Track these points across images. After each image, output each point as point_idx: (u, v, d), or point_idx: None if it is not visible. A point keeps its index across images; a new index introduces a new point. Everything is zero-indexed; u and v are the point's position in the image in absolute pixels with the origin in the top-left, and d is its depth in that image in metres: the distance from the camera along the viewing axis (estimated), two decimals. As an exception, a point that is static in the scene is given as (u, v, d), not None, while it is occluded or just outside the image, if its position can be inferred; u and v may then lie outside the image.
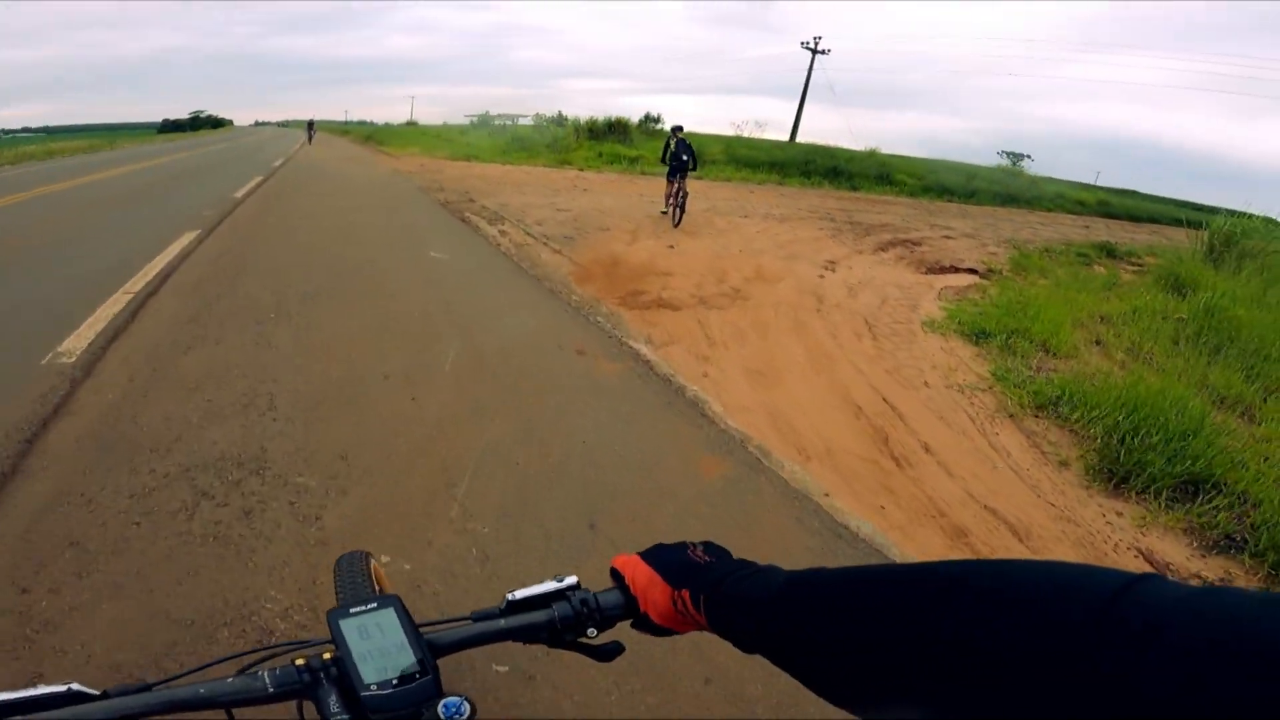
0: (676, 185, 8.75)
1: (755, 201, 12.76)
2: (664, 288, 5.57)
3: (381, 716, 0.47)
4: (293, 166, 14.57)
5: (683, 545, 0.56)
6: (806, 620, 0.40)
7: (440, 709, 0.48)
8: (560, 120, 35.84)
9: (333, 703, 0.48)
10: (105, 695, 0.45)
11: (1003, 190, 21.57)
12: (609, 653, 0.56)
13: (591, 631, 0.55)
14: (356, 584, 0.83)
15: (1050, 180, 24.93)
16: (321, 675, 0.49)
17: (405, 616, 0.52)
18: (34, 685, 0.43)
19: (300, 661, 0.49)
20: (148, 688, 0.46)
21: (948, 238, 11.05)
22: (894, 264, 8.40)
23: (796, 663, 0.40)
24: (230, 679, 0.48)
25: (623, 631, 0.56)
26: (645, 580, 0.54)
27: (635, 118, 29.26)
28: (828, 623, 0.38)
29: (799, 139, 33.28)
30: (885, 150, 24.41)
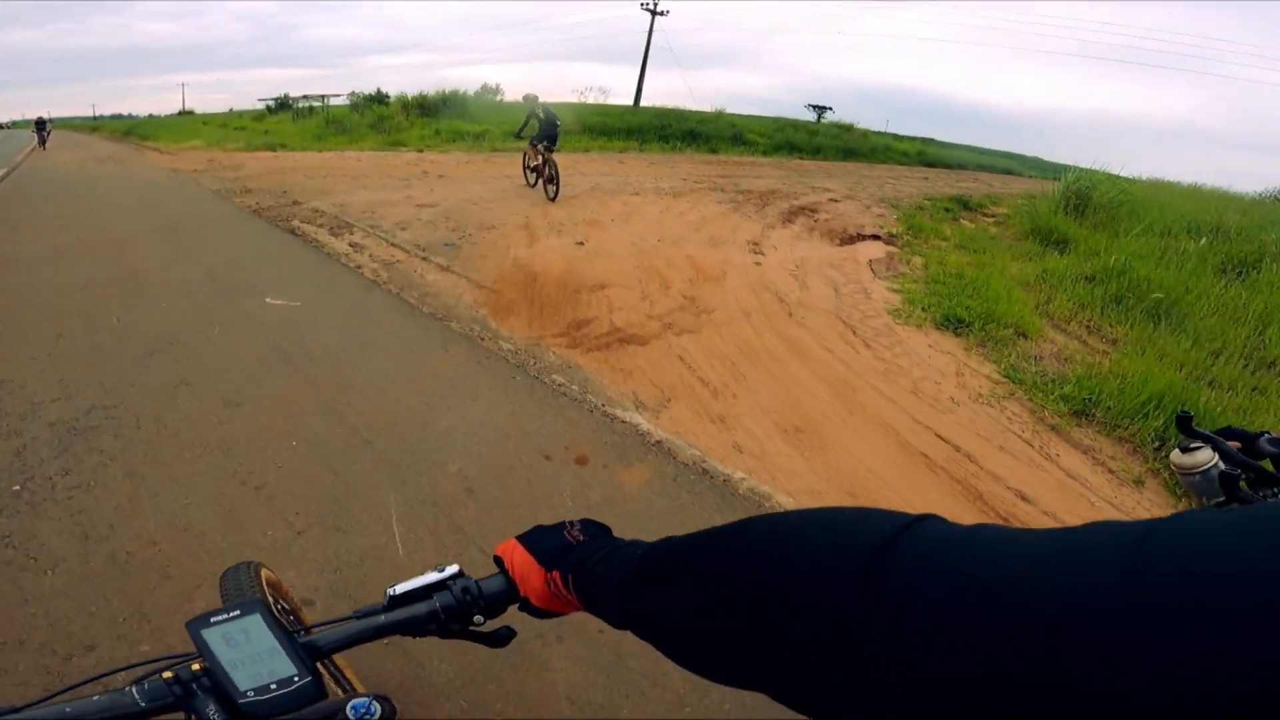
0: (544, 157, 8.22)
1: (632, 173, 11.61)
2: (609, 307, 4.29)
3: None
4: (18, 178, 10.71)
5: (560, 525, 0.54)
6: (655, 592, 0.39)
7: (349, 710, 0.48)
8: (381, 97, 31.71)
9: (211, 711, 0.46)
10: None
11: (841, 144, 22.48)
12: (500, 639, 0.55)
13: (479, 619, 0.54)
14: (244, 595, 0.80)
15: (877, 134, 26.58)
16: (194, 686, 0.47)
17: (272, 620, 0.50)
18: None
19: (168, 675, 0.47)
20: (14, 710, 0.44)
21: (834, 200, 10.78)
22: (809, 237, 7.79)
23: (656, 637, 0.39)
24: (96, 697, 0.46)
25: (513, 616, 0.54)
26: (522, 563, 0.53)
27: (467, 90, 26.53)
28: (671, 592, 0.37)
29: (642, 103, 32.50)
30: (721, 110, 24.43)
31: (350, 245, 5.53)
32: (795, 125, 24.53)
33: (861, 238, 8.17)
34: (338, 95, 33.82)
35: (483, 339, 3.66)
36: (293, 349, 3.27)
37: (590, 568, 0.47)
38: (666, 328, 4.13)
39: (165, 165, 12.75)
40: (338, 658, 0.90)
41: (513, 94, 28.61)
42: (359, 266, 4.86)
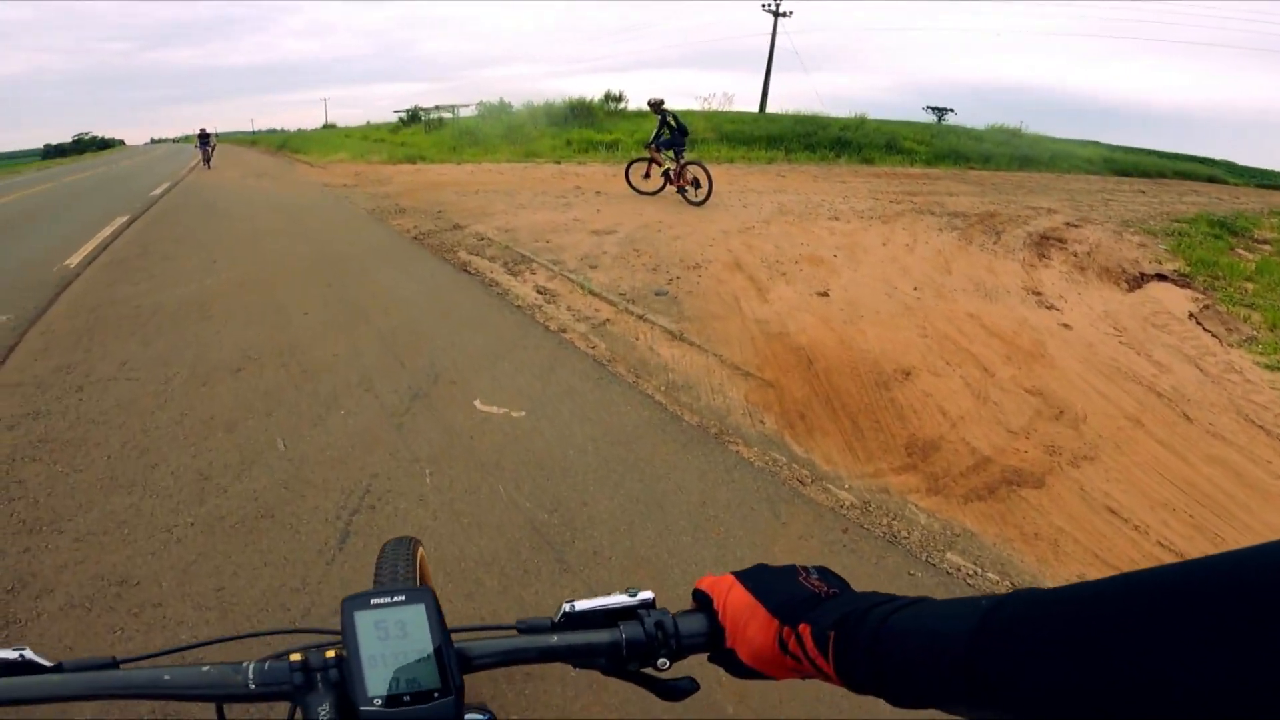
0: (680, 165, 8.01)
1: (803, 189, 10.03)
2: (943, 414, 2.82)
3: None
4: (179, 194, 10.81)
5: (791, 569, 0.45)
6: (1046, 655, 0.28)
7: None
8: (506, 107, 32.08)
9: (323, 713, 0.39)
10: (59, 668, 0.40)
11: (1011, 151, 19.60)
12: (678, 690, 0.45)
13: (662, 663, 0.45)
14: (396, 574, 0.75)
15: (1051, 139, 23.20)
16: (318, 677, 0.41)
17: (437, 617, 0.43)
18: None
19: (297, 658, 0.41)
20: (113, 664, 0.41)
21: (1071, 225, 8.65)
22: (1084, 279, 5.91)
23: (1029, 713, 0.29)
24: (208, 668, 0.41)
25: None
26: (741, 609, 0.44)
27: (592, 98, 25.98)
28: (1080, 655, 0.27)
29: (767, 109, 30.71)
30: (837, 113, 22.10)
31: (538, 291, 4.38)
32: (958, 132, 21.84)
33: (1145, 278, 6.25)
34: (466, 106, 34.69)
35: (802, 482, 2.27)
36: (553, 524, 2.00)
37: (887, 629, 0.36)
38: (1049, 452, 2.59)
39: (316, 180, 12.67)
40: None
41: (635, 101, 27.81)
42: (563, 330, 3.65)
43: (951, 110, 29.28)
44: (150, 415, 2.60)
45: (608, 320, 3.85)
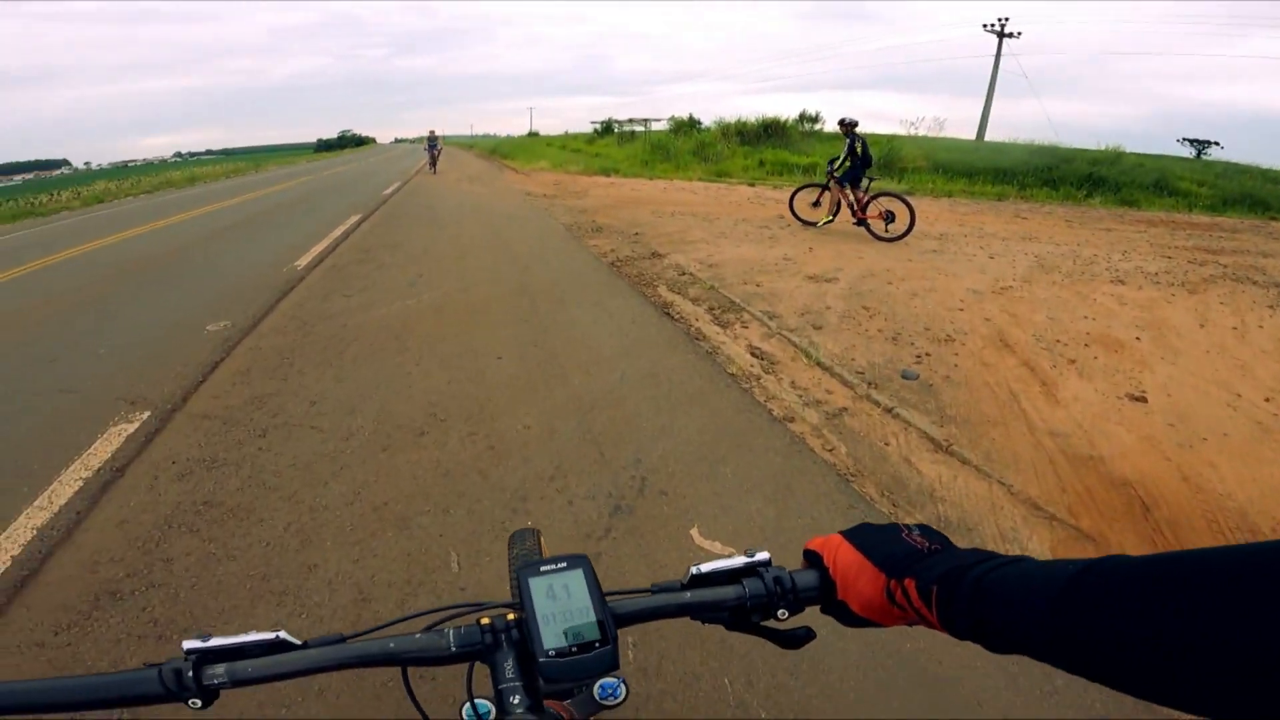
0: (860, 195, 7.36)
1: (1057, 235, 8.23)
2: None
3: (555, 685, 0.46)
4: (405, 196, 11.87)
5: (895, 527, 0.50)
6: (1120, 615, 0.32)
7: (596, 689, 0.53)
8: (694, 122, 32.18)
9: (508, 667, 0.47)
10: (306, 645, 0.47)
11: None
12: (798, 639, 0.50)
13: (782, 613, 0.50)
14: (527, 555, 0.86)
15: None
16: (503, 637, 0.48)
17: (593, 579, 0.49)
18: (247, 632, 0.46)
19: (485, 621, 0.49)
20: (342, 639, 0.48)
21: None
22: None
23: (1101, 663, 0.33)
24: (418, 635, 0.49)
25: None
26: (850, 564, 0.48)
27: (787, 117, 24.93)
28: (1159, 616, 0.31)
29: (985, 136, 27.38)
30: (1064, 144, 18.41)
31: (752, 353, 3.68)
32: (1247, 170, 17.52)
33: None
34: (657, 120, 35.45)
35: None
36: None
37: (985, 584, 0.40)
38: None
39: (519, 188, 13.28)
40: None
41: (830, 123, 26.23)
42: (790, 418, 2.90)
43: (1216, 144, 23.82)
44: (323, 487, 2.31)
45: (845, 409, 3.03)
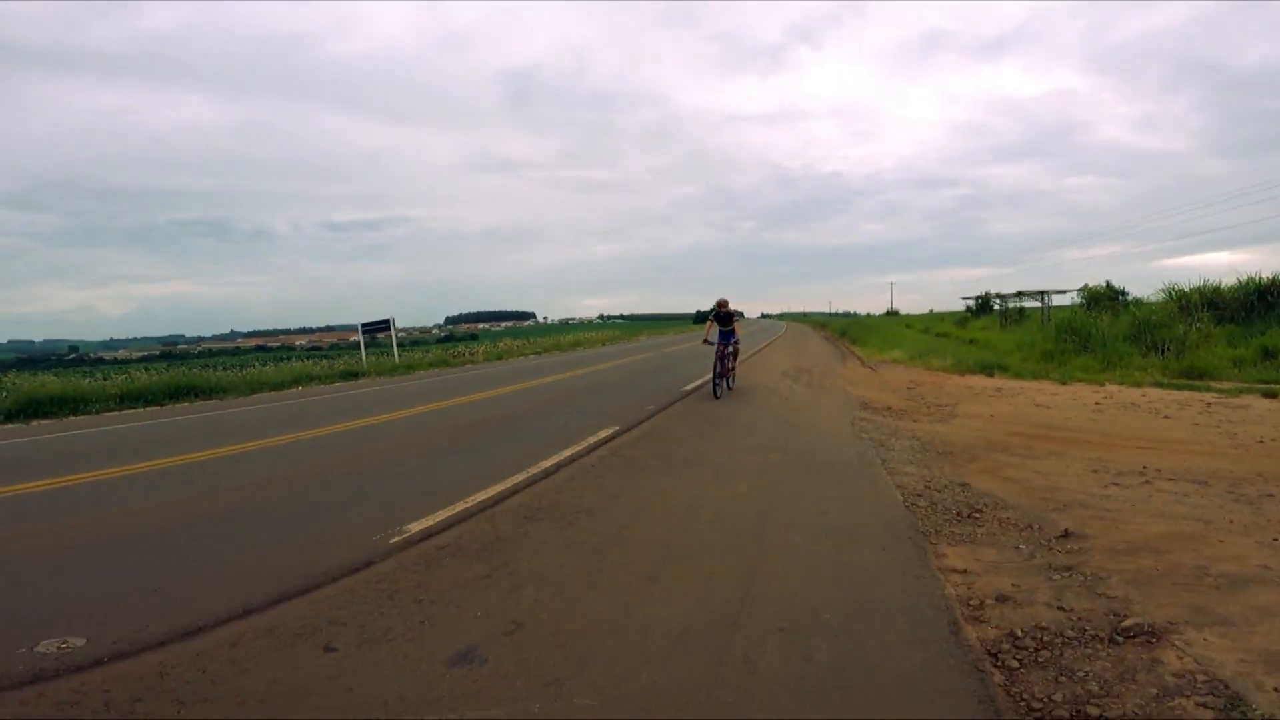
0: None
1: None
2: None
3: None
4: (696, 400, 9.84)
5: None
6: None
7: None
8: (1114, 292, 24.21)
9: None
10: None
11: None
12: None
13: None
14: None
15: None
16: None
17: None
18: None
19: None
20: None
21: None
22: None
23: None
24: None
25: None
26: None
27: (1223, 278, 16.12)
28: None
29: None
30: None
31: None
32: None
33: None
34: (1062, 292, 28.06)
35: None
36: None
37: None
38: None
39: (856, 396, 10.10)
40: None
41: None
42: None
43: None
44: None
45: None
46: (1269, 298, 15.48)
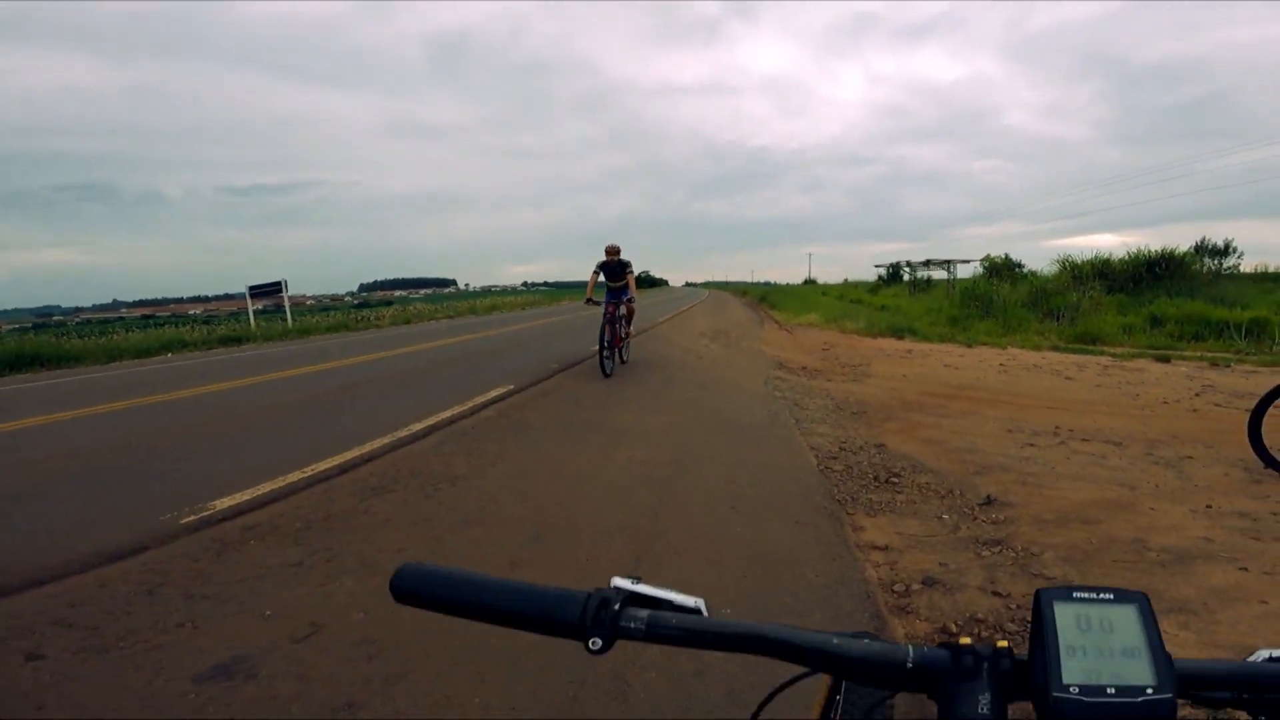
0: None
1: None
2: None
3: None
4: (637, 350, 9.24)
5: None
6: None
7: None
8: (1012, 264, 25.54)
9: (982, 701, 0.39)
10: (708, 618, 0.45)
11: None
12: None
13: None
14: None
15: None
16: (986, 665, 0.40)
17: (1153, 623, 0.40)
18: (670, 590, 0.46)
19: (966, 641, 0.42)
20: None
21: None
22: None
23: None
24: (866, 640, 0.43)
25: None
26: None
27: (1179, 247, 17.39)
28: None
29: None
30: None
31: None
32: None
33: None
34: (965, 262, 29.22)
35: None
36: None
37: None
38: None
39: (771, 355, 9.80)
40: None
41: (1255, 253, 17.64)
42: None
43: None
44: None
45: None
46: (1157, 270, 16.57)
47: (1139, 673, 0.38)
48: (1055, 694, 0.37)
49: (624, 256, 7.52)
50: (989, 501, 3.24)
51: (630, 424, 4.98)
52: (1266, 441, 3.68)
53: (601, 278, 7.55)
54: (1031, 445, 4.37)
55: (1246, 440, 3.77)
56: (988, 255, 24.46)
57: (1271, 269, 19.43)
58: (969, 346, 10.48)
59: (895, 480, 3.65)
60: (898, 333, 12.37)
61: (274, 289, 19.48)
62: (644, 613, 0.44)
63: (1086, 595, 0.42)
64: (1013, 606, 2.18)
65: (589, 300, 7.69)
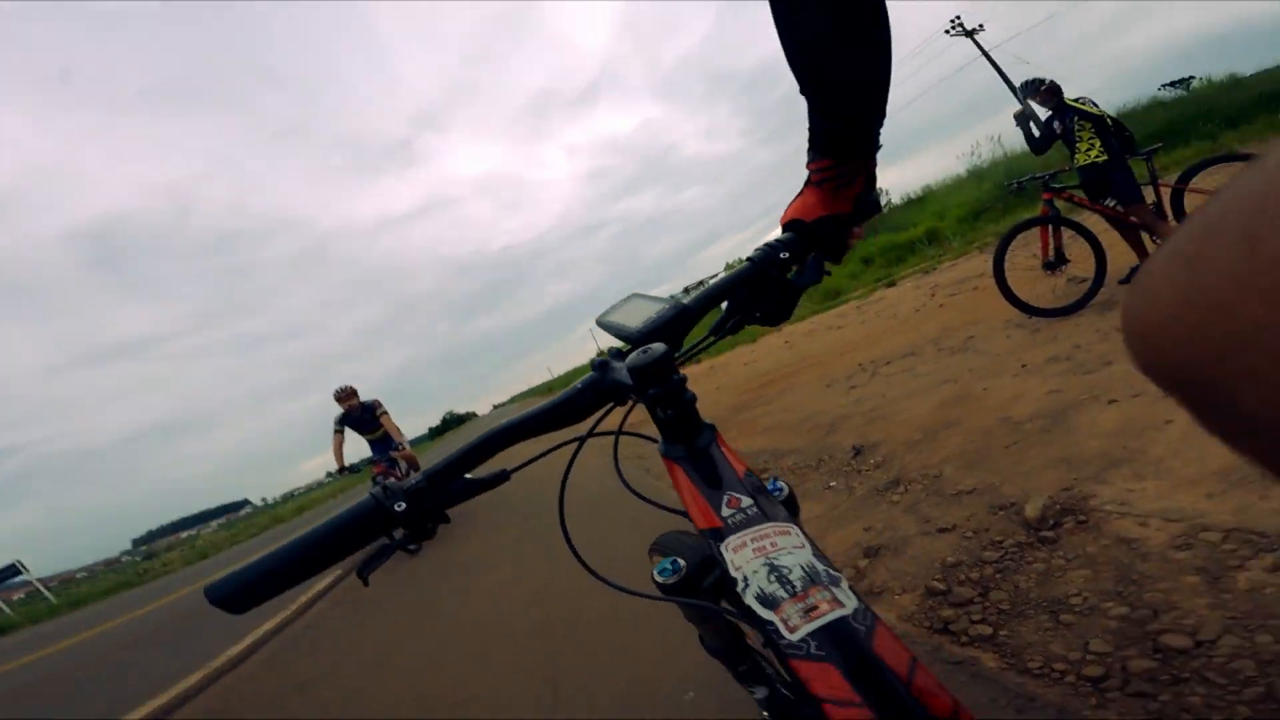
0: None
1: None
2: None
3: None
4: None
5: None
6: None
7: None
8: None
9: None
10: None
11: None
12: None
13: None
14: None
15: None
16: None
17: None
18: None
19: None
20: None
21: None
22: None
23: None
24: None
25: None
26: None
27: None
28: None
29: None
30: None
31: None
32: None
33: None
34: (714, 276, 32.77)
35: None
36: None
37: None
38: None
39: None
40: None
41: (899, 191, 22.37)
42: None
43: (1191, 78, 20.23)
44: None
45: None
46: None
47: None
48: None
49: (367, 398, 5.89)
50: (859, 452, 3.09)
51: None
52: (1009, 285, 4.06)
53: (343, 436, 5.74)
54: (853, 388, 4.49)
55: (993, 308, 4.23)
56: (726, 263, 27.71)
57: (913, 196, 24.91)
58: (753, 342, 11.28)
59: (765, 473, 3.37)
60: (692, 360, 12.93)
61: (10, 573, 15.90)
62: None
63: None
64: (968, 535, 1.90)
65: (343, 470, 5.59)
